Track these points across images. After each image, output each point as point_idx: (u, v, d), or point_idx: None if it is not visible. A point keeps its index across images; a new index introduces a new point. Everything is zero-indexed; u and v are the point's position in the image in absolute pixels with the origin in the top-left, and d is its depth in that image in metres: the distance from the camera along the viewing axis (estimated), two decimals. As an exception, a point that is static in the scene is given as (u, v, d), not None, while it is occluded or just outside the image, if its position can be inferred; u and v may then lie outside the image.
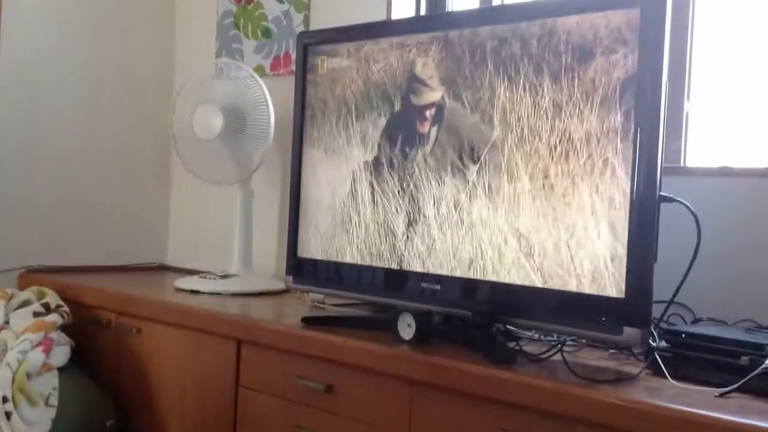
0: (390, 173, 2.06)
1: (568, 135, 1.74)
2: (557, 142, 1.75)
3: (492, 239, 1.85)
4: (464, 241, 1.90)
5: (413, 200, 2.01)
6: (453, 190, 1.93)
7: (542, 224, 1.77)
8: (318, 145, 2.25)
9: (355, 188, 2.15)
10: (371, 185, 2.11)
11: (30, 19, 2.97)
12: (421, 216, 2.00)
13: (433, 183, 1.97)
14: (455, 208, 1.92)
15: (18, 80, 2.95)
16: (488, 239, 1.85)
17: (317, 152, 2.25)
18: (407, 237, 2.02)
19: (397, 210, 2.04)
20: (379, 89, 2.11)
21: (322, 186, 2.24)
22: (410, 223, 2.02)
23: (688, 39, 2.13)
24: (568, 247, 1.72)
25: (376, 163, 2.10)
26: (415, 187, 2.01)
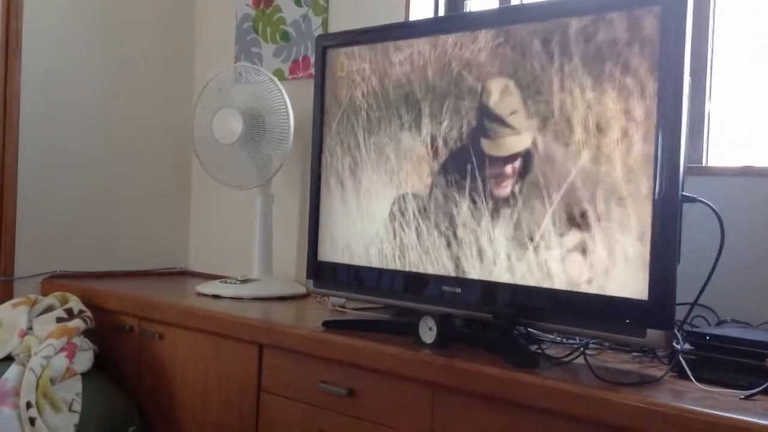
0: (430, 208, 2.04)
1: (599, 128, 1.72)
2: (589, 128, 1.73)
3: (518, 265, 1.83)
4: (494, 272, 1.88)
5: (455, 239, 1.92)
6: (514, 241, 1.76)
7: (570, 233, 1.75)
8: (338, 150, 2.24)
9: (380, 201, 2.15)
10: (403, 207, 2.10)
11: (50, 25, 2.99)
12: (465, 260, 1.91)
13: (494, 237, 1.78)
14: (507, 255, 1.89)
15: (38, 89, 2.96)
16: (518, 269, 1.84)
17: (337, 157, 2.24)
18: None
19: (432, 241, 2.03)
20: (404, 93, 2.10)
21: (342, 191, 2.23)
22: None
23: (708, 37, 2.11)
24: (591, 249, 1.71)
25: (411, 188, 2.09)
26: (458, 233, 1.99)
